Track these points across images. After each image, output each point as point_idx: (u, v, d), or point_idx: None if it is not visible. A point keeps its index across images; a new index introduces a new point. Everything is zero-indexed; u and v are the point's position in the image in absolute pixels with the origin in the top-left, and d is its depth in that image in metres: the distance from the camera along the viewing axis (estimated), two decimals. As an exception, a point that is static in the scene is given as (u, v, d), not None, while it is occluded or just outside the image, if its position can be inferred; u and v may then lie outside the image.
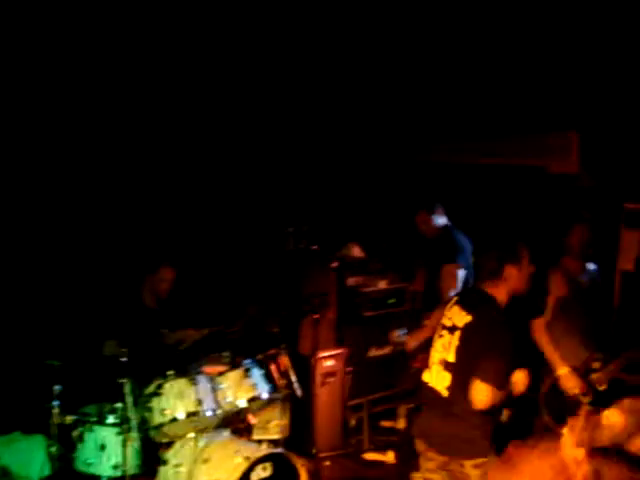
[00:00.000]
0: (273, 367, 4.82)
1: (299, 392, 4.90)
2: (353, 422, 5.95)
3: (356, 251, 6.14)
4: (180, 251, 5.71)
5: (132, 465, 4.38)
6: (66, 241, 5.61)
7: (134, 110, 5.79)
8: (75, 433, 4.45)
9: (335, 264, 5.85)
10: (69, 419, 4.46)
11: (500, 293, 3.47)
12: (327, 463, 5.52)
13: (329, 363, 5.70)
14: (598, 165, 5.54)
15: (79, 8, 4.87)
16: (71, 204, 5.69)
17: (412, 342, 4.39)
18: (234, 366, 4.67)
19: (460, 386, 3.37)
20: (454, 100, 6.07)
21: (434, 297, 5.28)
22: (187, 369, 4.58)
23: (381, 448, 5.81)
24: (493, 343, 3.31)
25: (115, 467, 4.38)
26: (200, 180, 6.32)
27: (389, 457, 5.70)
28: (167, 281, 5.31)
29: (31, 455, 4.69)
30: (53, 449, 4.47)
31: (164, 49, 5.50)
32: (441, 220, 5.57)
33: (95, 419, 4.48)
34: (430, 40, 5.60)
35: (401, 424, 5.91)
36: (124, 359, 4.32)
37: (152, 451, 4.50)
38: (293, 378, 4.88)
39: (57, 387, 4.42)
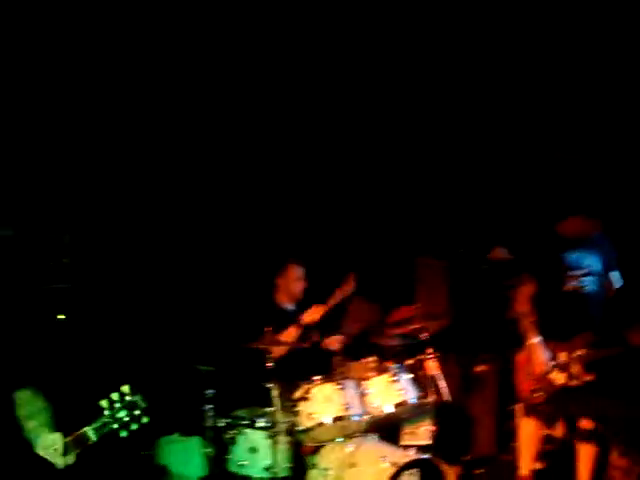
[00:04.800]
0: (421, 372, 4.73)
1: (448, 397, 4.77)
2: (506, 428, 5.71)
3: (503, 254, 5.88)
4: (312, 247, 5.66)
5: (282, 467, 4.44)
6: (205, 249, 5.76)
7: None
8: (227, 436, 4.60)
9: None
10: (222, 422, 4.62)
11: None
12: (479, 471, 5.33)
13: (481, 367, 5.52)
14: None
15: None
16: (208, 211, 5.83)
17: None
18: (381, 371, 4.63)
19: None
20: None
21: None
22: (334, 374, 4.58)
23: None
24: None
25: (266, 469, 4.47)
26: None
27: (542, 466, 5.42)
28: (299, 280, 5.22)
29: (189, 455, 4.92)
30: (208, 450, 4.64)
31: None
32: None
33: (246, 422, 4.60)
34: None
35: (558, 431, 5.61)
36: (271, 364, 4.40)
37: (301, 454, 4.55)
38: (442, 383, 4.76)
39: (210, 391, 4.59)
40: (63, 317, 4.77)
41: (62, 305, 4.88)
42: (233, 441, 4.56)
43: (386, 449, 4.43)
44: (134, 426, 2.66)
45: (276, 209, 6.02)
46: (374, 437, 4.62)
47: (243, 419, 4.63)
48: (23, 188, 5.18)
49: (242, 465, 4.50)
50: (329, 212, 6.10)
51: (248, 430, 4.55)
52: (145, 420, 2.68)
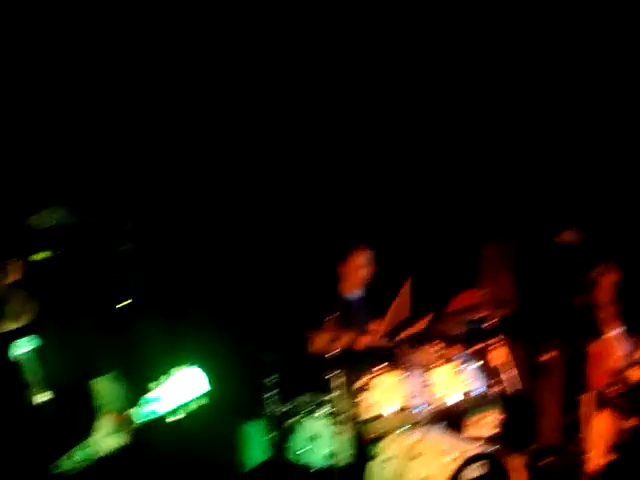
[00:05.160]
0: (488, 361, 4.58)
1: (516, 387, 4.62)
2: (573, 418, 5.52)
3: (574, 237, 5.62)
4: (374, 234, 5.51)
5: (343, 457, 4.38)
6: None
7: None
8: (289, 422, 4.57)
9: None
10: (283, 409, 4.59)
11: None
12: (544, 461, 5.17)
13: (548, 356, 5.32)
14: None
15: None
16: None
17: None
18: (446, 360, 4.50)
19: None
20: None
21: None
22: (397, 363, 4.48)
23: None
24: None
25: (326, 458, 4.43)
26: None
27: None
28: (365, 266, 5.05)
29: (253, 439, 4.91)
30: (270, 436, 4.63)
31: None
32: None
33: (307, 410, 4.55)
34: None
35: (632, 424, 5.39)
36: (335, 352, 4.32)
37: (362, 444, 4.48)
38: (509, 372, 4.60)
39: (273, 378, 4.55)
40: (125, 304, 4.78)
41: (125, 293, 4.89)
42: (294, 428, 4.53)
43: (450, 441, 4.31)
44: (190, 407, 2.58)
45: (336, 196, 5.88)
46: (438, 427, 4.52)
47: (305, 406, 4.59)
48: (85, 173, 5.21)
49: (302, 453, 4.48)
50: (392, 198, 5.93)
51: (310, 418, 4.52)
52: (194, 406, 2.58)
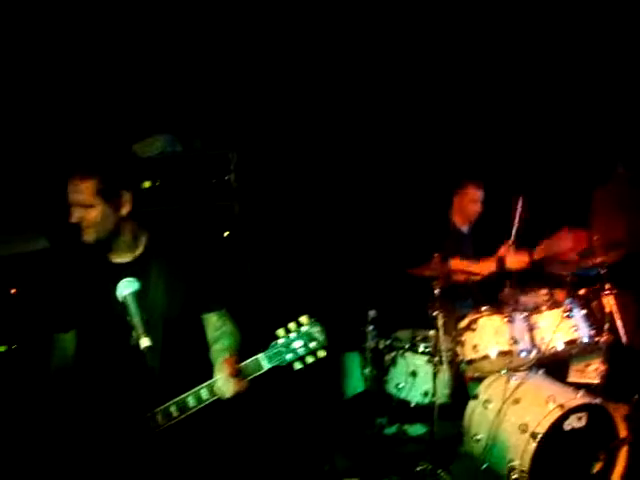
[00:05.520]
0: (597, 308, 4.39)
1: (624, 338, 4.42)
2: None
3: None
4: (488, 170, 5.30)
5: (441, 394, 4.35)
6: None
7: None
8: (388, 357, 4.55)
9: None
10: (382, 343, 4.57)
11: None
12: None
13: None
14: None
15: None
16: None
17: None
18: (554, 304, 4.34)
19: None
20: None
21: None
22: (502, 305, 4.35)
23: None
24: None
25: (424, 394, 4.41)
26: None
27: None
28: (476, 202, 4.92)
29: (348, 371, 4.94)
30: (367, 370, 4.64)
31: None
32: None
33: (407, 346, 4.52)
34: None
35: None
36: (437, 290, 4.23)
37: (462, 383, 4.43)
38: (618, 321, 4.40)
39: (372, 312, 4.52)
40: (228, 234, 4.79)
41: (227, 222, 4.90)
42: (393, 363, 4.52)
43: (553, 388, 4.18)
44: (309, 359, 2.51)
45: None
46: (540, 372, 4.40)
47: (405, 342, 4.55)
48: (192, 104, 5.21)
49: (400, 388, 4.47)
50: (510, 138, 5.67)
51: (409, 353, 4.49)
52: (322, 354, 2.53)
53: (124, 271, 2.51)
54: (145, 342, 2.27)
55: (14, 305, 3.87)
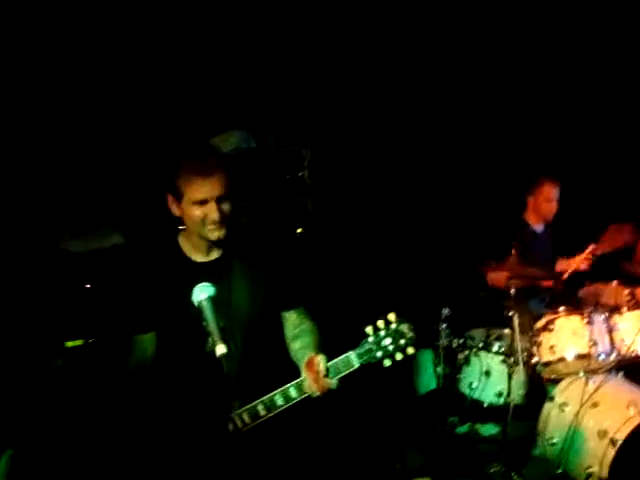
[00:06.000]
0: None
1: None
2: None
3: None
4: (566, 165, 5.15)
5: (516, 395, 4.28)
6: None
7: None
8: (461, 356, 4.51)
9: None
10: (456, 342, 4.52)
11: None
12: None
13: None
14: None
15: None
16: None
17: None
18: (635, 305, 4.19)
19: None
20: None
21: None
22: (582, 305, 4.24)
23: None
24: None
25: (498, 395, 4.35)
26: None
27: None
28: (551, 200, 4.78)
29: (421, 368, 4.91)
30: (439, 368, 4.59)
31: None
32: None
33: (481, 345, 4.46)
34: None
35: None
36: (512, 290, 4.15)
37: (537, 385, 4.34)
38: None
39: (445, 310, 4.48)
40: (301, 231, 4.80)
41: (301, 219, 4.91)
42: (467, 361, 4.47)
43: (634, 392, 4.04)
44: (399, 356, 2.47)
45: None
46: (619, 376, 4.27)
47: (479, 340, 4.50)
48: (266, 101, 5.24)
49: (473, 388, 4.41)
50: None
51: (483, 352, 4.43)
52: (411, 351, 2.48)
53: (206, 271, 2.46)
54: (221, 349, 2.19)
55: (90, 300, 3.91)
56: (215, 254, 2.59)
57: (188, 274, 2.48)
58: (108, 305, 2.65)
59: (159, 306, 2.52)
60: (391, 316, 2.49)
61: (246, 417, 2.47)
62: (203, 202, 2.42)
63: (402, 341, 2.48)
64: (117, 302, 2.62)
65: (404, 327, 2.48)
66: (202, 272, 2.44)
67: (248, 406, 2.47)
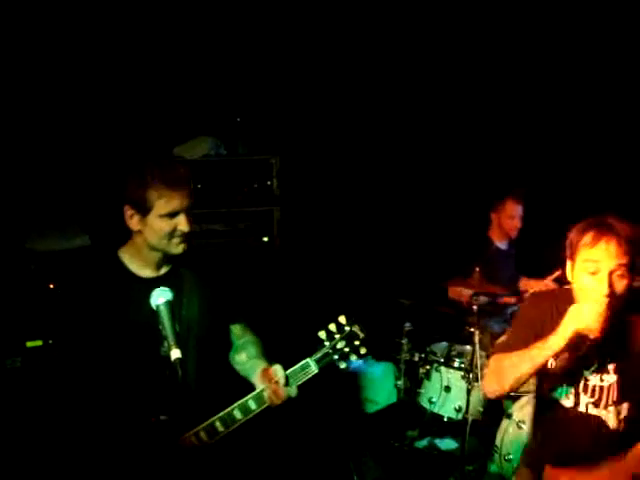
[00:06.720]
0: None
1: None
2: None
3: None
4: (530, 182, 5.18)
5: (474, 411, 4.30)
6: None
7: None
8: (422, 370, 4.53)
9: None
10: (417, 356, 4.54)
11: None
12: None
13: None
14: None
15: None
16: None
17: None
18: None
19: None
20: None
21: None
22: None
23: None
24: None
25: (457, 410, 4.37)
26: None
27: None
28: (514, 217, 4.76)
29: (381, 381, 4.92)
30: (400, 382, 4.62)
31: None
32: None
33: (443, 360, 4.49)
34: None
35: None
36: (475, 306, 4.19)
37: (496, 402, 4.37)
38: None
39: (407, 324, 4.50)
40: (266, 239, 4.79)
41: (268, 228, 4.91)
42: (428, 376, 4.49)
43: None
44: (353, 357, 2.54)
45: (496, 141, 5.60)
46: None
47: (440, 356, 4.52)
48: (233, 107, 5.23)
49: (433, 402, 4.44)
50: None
51: (444, 368, 4.45)
52: (364, 351, 2.54)
53: (157, 286, 2.30)
54: (176, 353, 2.16)
55: (52, 300, 3.83)
56: (165, 269, 2.51)
57: (135, 291, 2.39)
58: (68, 305, 2.55)
59: (112, 314, 2.41)
60: (342, 319, 2.54)
61: (203, 435, 2.42)
62: (173, 214, 2.35)
63: (356, 342, 2.54)
64: (74, 304, 2.51)
65: (356, 328, 2.55)
66: (152, 288, 2.30)
67: (205, 423, 2.42)
